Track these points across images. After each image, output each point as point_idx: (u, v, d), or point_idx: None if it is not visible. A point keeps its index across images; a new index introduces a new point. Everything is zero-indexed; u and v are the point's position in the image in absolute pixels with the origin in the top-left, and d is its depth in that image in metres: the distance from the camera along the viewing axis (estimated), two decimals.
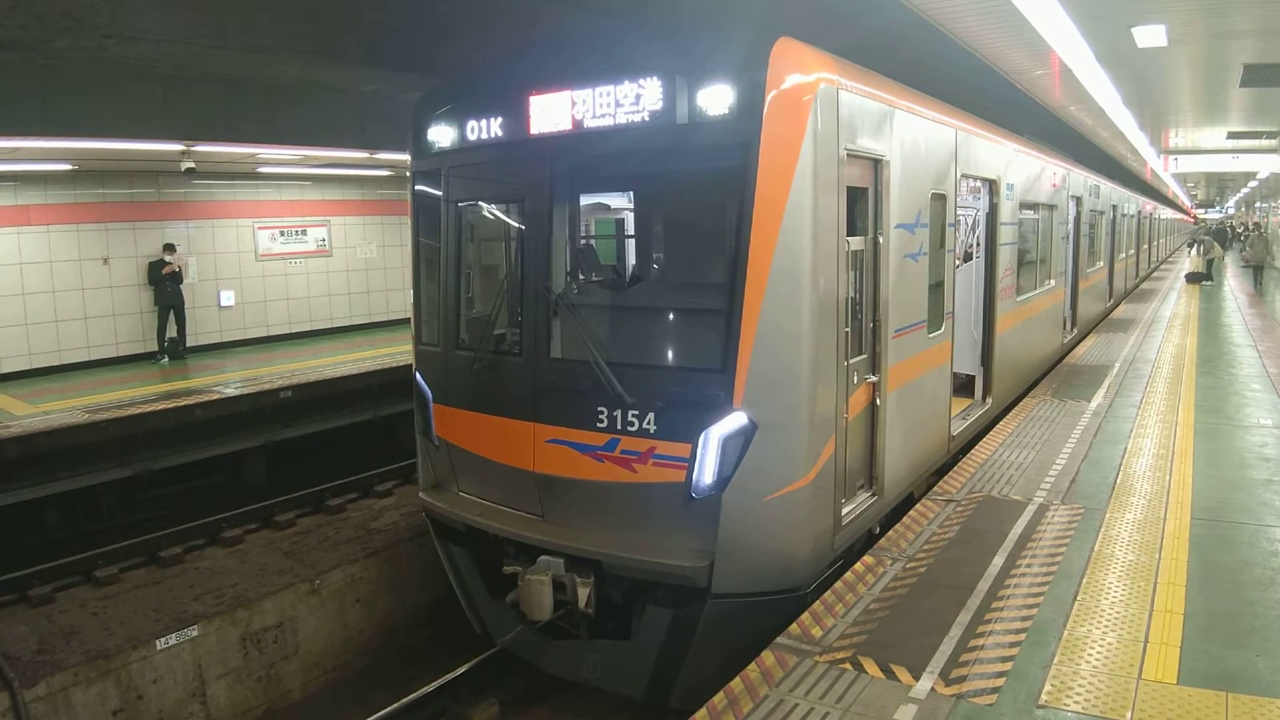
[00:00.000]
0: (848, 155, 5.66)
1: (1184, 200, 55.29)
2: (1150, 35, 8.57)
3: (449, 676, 7.25)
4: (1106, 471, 7.52)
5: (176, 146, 11.37)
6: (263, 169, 15.49)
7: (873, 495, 6.41)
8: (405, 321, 9.00)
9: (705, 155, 5.61)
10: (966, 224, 9.64)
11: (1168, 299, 22.47)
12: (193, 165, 12.28)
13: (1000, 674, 4.30)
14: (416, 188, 7.13)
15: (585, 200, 8.15)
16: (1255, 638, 4.59)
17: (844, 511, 5.92)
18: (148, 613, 7.14)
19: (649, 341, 6.40)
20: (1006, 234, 9.59)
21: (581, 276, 7.03)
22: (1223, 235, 40.32)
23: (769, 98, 5.18)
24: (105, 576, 7.91)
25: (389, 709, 6.84)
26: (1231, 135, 17.96)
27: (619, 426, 5.67)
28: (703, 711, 4.23)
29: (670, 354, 6.31)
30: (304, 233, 17.76)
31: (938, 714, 4.00)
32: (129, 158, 12.84)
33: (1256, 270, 25.90)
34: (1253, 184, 34.99)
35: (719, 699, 4.31)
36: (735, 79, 5.27)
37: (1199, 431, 8.78)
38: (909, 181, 6.70)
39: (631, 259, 8.95)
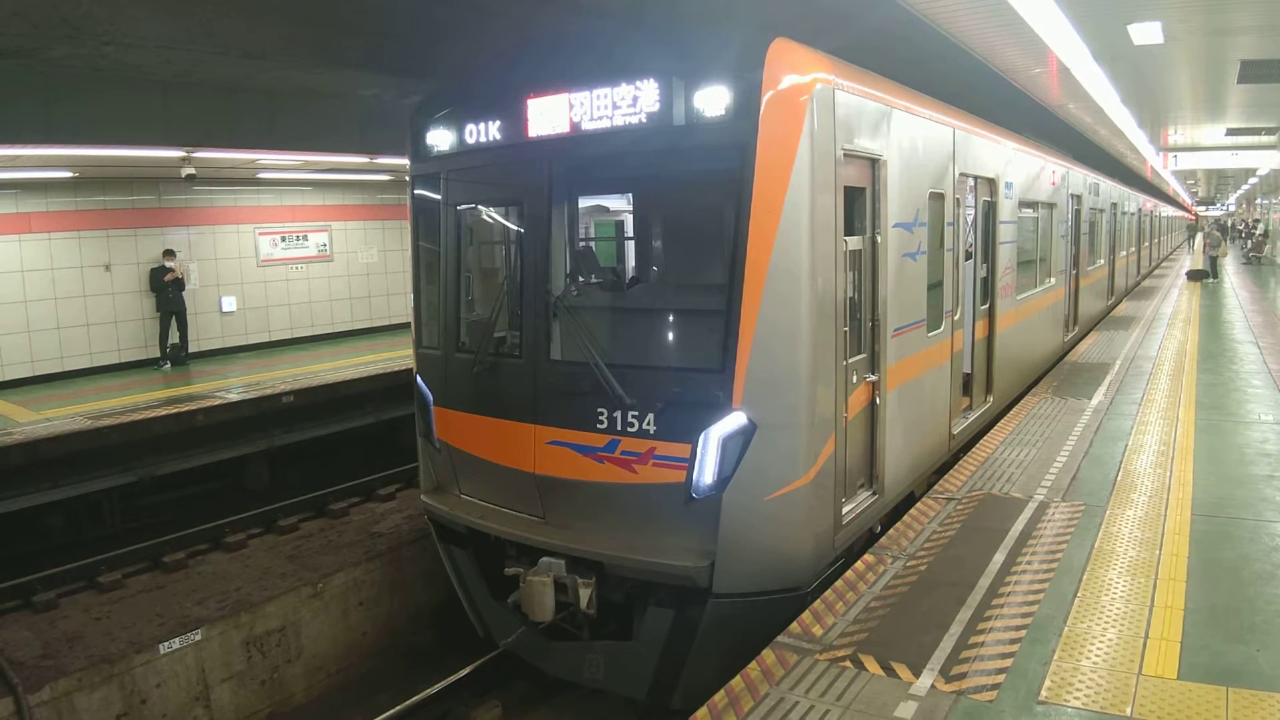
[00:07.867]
0: (845, 155, 5.67)
1: (1184, 197, 55.24)
2: (1146, 32, 8.58)
3: (452, 679, 7.27)
4: (1108, 468, 7.51)
5: (177, 153, 11.38)
6: (263, 174, 15.53)
7: (873, 494, 6.41)
8: (406, 326, 9.03)
9: (702, 156, 5.61)
10: (966, 223, 9.64)
11: (1169, 296, 22.45)
12: (193, 171, 12.30)
13: (1001, 671, 4.31)
14: (416, 191, 7.15)
15: (584, 202, 8.16)
16: (1256, 633, 4.59)
17: (844, 510, 5.93)
18: (151, 617, 7.16)
19: (648, 342, 6.41)
20: (1006, 232, 9.59)
21: (580, 278, 7.04)
22: (1225, 230, 42.61)
23: (765, 98, 5.19)
24: (109, 582, 7.93)
25: (392, 711, 6.86)
26: (1230, 132, 17.95)
27: (619, 428, 5.68)
28: (704, 710, 4.23)
29: (669, 355, 6.32)
30: (305, 238, 17.80)
31: (938, 711, 4.01)
32: (129, 164, 12.88)
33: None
34: (1253, 180, 35.02)
35: (720, 697, 4.32)
36: (731, 80, 5.27)
37: (1200, 428, 8.77)
38: (907, 181, 6.70)
39: (630, 260, 8.96)
